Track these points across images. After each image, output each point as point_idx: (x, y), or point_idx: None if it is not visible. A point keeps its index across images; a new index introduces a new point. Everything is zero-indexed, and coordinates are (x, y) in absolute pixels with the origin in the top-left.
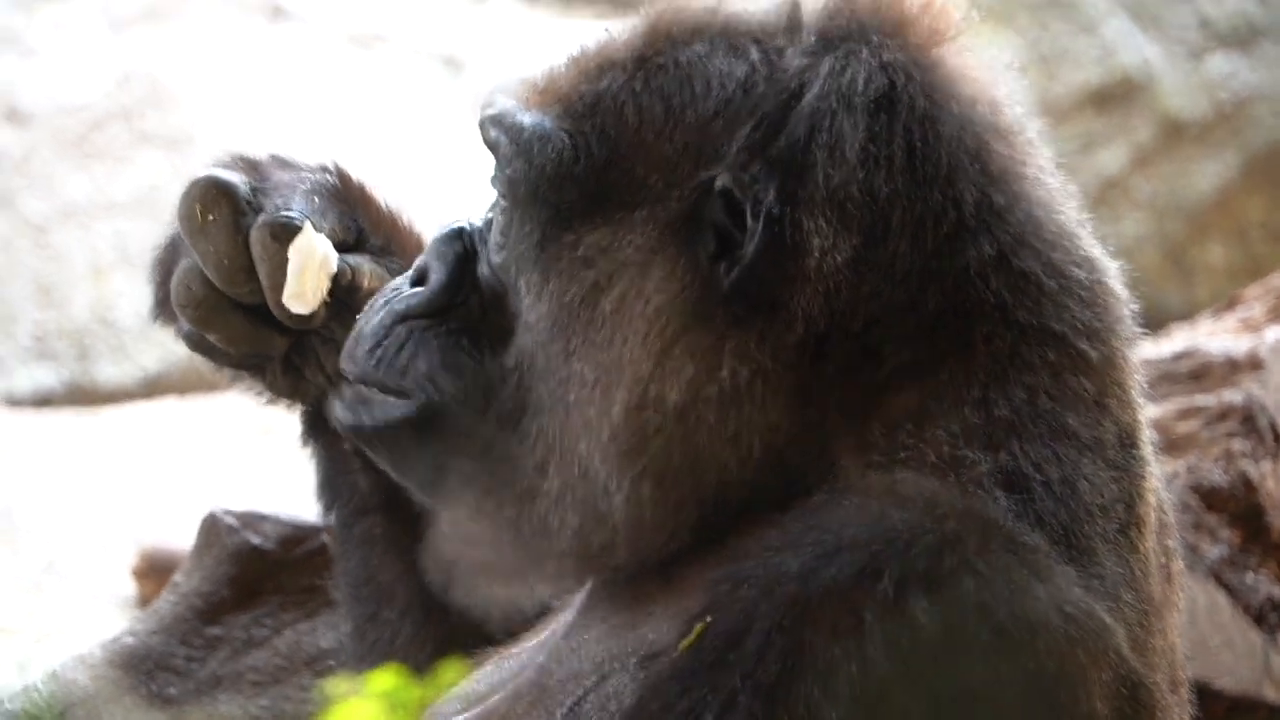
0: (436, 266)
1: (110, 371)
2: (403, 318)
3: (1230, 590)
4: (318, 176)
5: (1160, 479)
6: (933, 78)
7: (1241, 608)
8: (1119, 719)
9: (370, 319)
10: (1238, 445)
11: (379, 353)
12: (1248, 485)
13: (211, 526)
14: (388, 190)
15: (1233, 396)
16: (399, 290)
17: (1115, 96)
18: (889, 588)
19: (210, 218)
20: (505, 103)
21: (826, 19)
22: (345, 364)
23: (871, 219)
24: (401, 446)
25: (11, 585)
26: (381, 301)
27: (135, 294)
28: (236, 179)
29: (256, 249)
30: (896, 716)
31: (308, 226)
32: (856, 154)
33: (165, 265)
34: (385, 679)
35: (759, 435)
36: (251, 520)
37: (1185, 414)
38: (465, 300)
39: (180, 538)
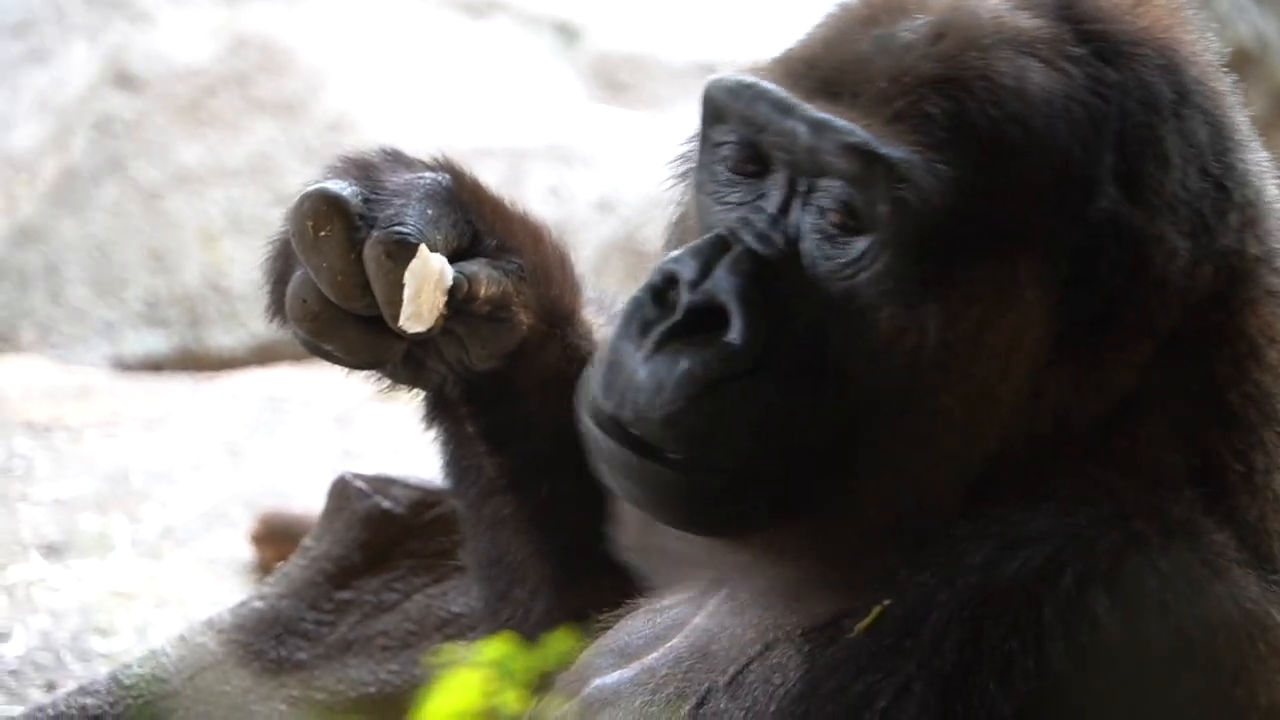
0: (738, 308)
1: (222, 338)
2: (713, 383)
3: None
4: (430, 178)
5: None
6: (1198, 68)
7: None
8: None
9: (658, 374)
10: None
11: (683, 428)
12: None
13: (341, 491)
14: (500, 178)
15: None
16: (659, 319)
17: (1230, 68)
18: (1071, 585)
19: (323, 233)
20: (849, 127)
21: (1092, 19)
22: (628, 421)
23: (1194, 218)
24: (694, 504)
25: (129, 550)
26: (653, 337)
27: (247, 261)
28: (348, 191)
29: (371, 267)
30: (1073, 713)
31: (422, 249)
32: (1179, 159)
33: (278, 268)
34: (496, 647)
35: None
36: (381, 484)
37: None
38: (776, 341)
39: (299, 503)
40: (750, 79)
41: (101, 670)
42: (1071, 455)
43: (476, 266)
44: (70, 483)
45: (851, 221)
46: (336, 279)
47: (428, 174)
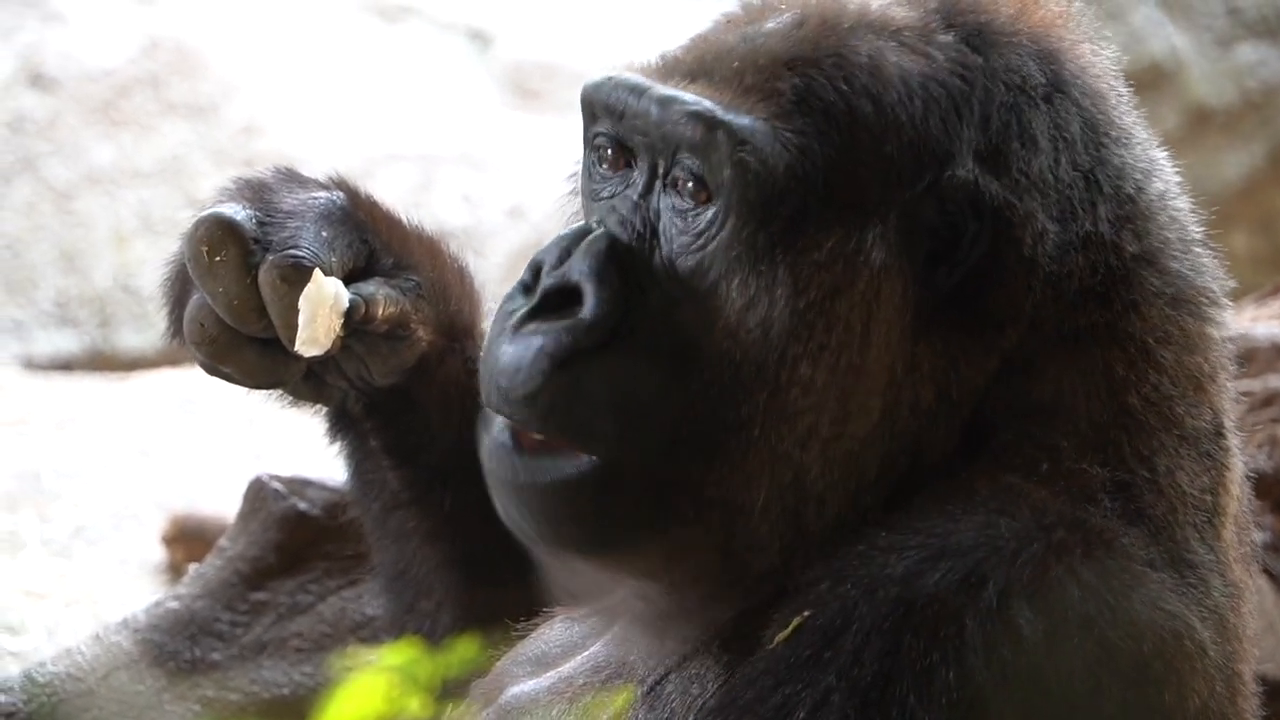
0: (590, 285)
1: (133, 338)
2: (566, 358)
3: (1272, 576)
4: (325, 198)
5: (1242, 466)
6: (1078, 64)
7: None
8: (1217, 707)
9: (517, 355)
10: None
11: (541, 403)
12: None
13: (258, 492)
14: (412, 183)
15: (1277, 382)
16: (522, 306)
17: (1143, 84)
18: (992, 596)
19: (218, 258)
20: (694, 98)
21: (968, 11)
22: (496, 406)
23: (1063, 204)
24: (575, 505)
25: (40, 550)
26: (513, 322)
27: (158, 262)
28: (241, 215)
29: (266, 291)
30: None
31: (316, 273)
32: (1048, 144)
33: (175, 291)
34: (400, 652)
35: (933, 432)
36: (297, 486)
37: None
38: (634, 320)
39: (210, 504)
40: (615, 72)
41: (11, 669)
42: (986, 462)
43: (373, 286)
44: None
45: (702, 192)
46: (232, 304)
47: (322, 194)
